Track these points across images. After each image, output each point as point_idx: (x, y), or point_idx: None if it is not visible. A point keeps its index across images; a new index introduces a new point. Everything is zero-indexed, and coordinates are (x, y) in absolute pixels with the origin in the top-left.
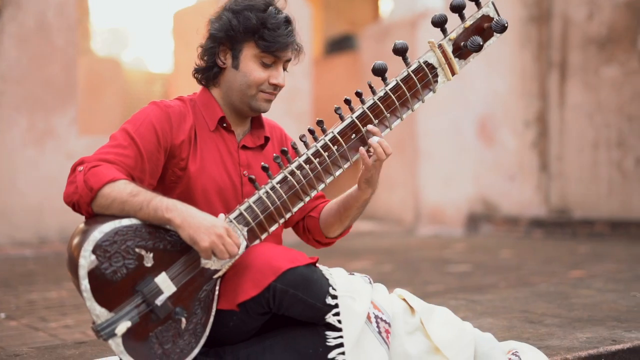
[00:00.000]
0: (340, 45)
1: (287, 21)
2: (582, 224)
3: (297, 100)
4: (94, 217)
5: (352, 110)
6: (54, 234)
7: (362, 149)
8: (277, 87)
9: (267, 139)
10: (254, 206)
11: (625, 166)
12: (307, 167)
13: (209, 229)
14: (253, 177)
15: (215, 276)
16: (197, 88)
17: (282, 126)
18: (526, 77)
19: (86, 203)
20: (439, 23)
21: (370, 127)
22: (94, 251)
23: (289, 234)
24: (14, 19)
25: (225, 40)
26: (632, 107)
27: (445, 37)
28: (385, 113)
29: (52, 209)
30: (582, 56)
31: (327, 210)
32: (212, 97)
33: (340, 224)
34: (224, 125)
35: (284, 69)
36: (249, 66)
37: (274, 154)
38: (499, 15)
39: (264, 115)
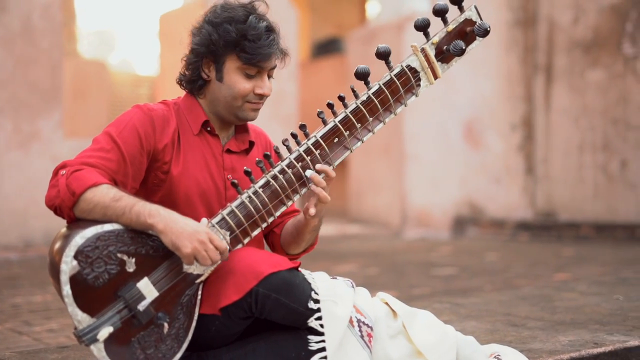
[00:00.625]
0: (327, 48)
1: (269, 30)
2: (568, 227)
3: (284, 103)
4: (76, 222)
5: (335, 114)
6: (39, 237)
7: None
8: (262, 97)
9: (251, 144)
10: (236, 210)
11: (611, 169)
12: (289, 171)
13: (191, 235)
14: (236, 181)
15: (198, 281)
16: (184, 91)
17: (268, 130)
18: (512, 80)
19: (68, 207)
20: (422, 27)
21: (318, 166)
22: (75, 256)
23: None
24: None
25: (207, 54)
26: (617, 110)
27: (427, 41)
28: (368, 117)
29: (37, 213)
30: (568, 60)
31: (285, 230)
32: (197, 102)
33: (297, 246)
34: (208, 129)
35: (269, 77)
36: (233, 78)
37: (257, 158)
38: (481, 19)
39: (251, 123)
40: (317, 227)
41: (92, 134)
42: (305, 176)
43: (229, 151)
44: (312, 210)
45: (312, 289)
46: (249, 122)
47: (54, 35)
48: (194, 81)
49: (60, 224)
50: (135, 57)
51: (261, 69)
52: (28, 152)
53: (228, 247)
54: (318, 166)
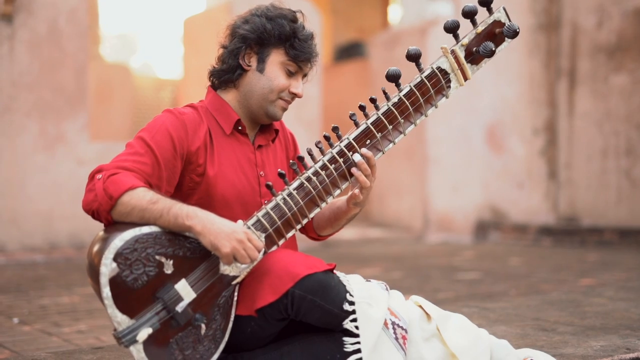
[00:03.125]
0: (349, 52)
1: (313, 36)
2: (591, 232)
3: (307, 107)
4: (114, 225)
5: (366, 116)
6: (64, 239)
7: (355, 192)
8: (294, 97)
9: (277, 132)
10: (271, 212)
11: (634, 174)
12: (323, 173)
13: (229, 234)
14: (270, 183)
15: (234, 282)
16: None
17: (292, 133)
18: (535, 84)
19: (106, 211)
20: (451, 29)
21: (363, 150)
22: (115, 259)
23: (302, 241)
24: (25, 25)
25: (254, 43)
26: None
27: (457, 42)
28: (399, 119)
29: (62, 215)
30: (591, 64)
31: (321, 214)
32: (224, 102)
33: (331, 229)
34: (239, 128)
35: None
36: (275, 72)
37: (290, 160)
38: (510, 20)
39: None
40: (354, 216)
41: (116, 138)
42: (353, 160)
43: (259, 147)
44: (356, 192)
45: (347, 291)
46: None
47: (80, 39)
48: (231, 70)
49: (85, 226)
50: (157, 61)
51: (300, 69)
52: (53, 155)
53: (263, 249)
54: (363, 150)
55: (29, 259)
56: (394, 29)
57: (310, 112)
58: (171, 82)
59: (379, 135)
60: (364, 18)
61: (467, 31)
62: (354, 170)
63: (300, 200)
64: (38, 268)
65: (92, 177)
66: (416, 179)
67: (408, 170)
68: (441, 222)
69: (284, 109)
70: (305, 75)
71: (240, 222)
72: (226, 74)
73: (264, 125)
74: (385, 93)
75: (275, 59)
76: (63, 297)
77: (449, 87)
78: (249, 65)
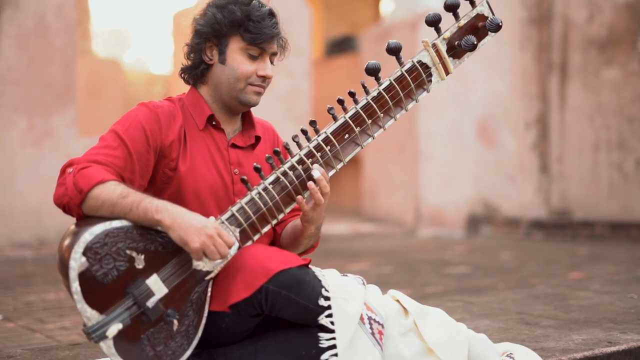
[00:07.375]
0: (340, 46)
1: (271, 13)
2: (583, 226)
3: (297, 101)
4: (84, 219)
5: (345, 110)
6: (53, 235)
7: (300, 198)
8: (265, 79)
9: (257, 139)
10: (246, 207)
11: (626, 168)
12: (299, 167)
13: (199, 229)
14: (245, 177)
15: (207, 278)
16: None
17: (282, 128)
18: (526, 78)
19: (76, 205)
20: (433, 22)
21: (315, 166)
22: (84, 253)
23: None
24: (12, 20)
25: (211, 36)
26: (633, 108)
27: (439, 36)
28: (379, 113)
29: (51, 210)
30: (583, 58)
31: (285, 232)
32: (200, 96)
33: (294, 249)
34: (213, 123)
35: (271, 62)
36: (236, 59)
37: (267, 155)
38: (493, 14)
39: (259, 117)
40: (314, 235)
41: None
42: (311, 175)
43: (234, 146)
44: (307, 206)
45: (322, 286)
46: (258, 117)
47: (68, 33)
48: (196, 66)
49: (74, 222)
50: (150, 56)
51: (263, 50)
52: (42, 150)
53: (238, 244)
54: (316, 166)
55: (18, 255)
56: (385, 23)
57: (300, 106)
58: (163, 77)
59: (357, 129)
60: (355, 12)
61: (449, 24)
62: (310, 184)
63: (276, 195)
64: (26, 264)
65: (63, 170)
66: (408, 173)
67: (400, 165)
68: (433, 217)
69: (258, 94)
70: (274, 54)
71: (212, 218)
72: (193, 71)
73: (245, 127)
74: (364, 87)
75: (235, 47)
76: (49, 294)
77: (430, 81)
78: (211, 59)
